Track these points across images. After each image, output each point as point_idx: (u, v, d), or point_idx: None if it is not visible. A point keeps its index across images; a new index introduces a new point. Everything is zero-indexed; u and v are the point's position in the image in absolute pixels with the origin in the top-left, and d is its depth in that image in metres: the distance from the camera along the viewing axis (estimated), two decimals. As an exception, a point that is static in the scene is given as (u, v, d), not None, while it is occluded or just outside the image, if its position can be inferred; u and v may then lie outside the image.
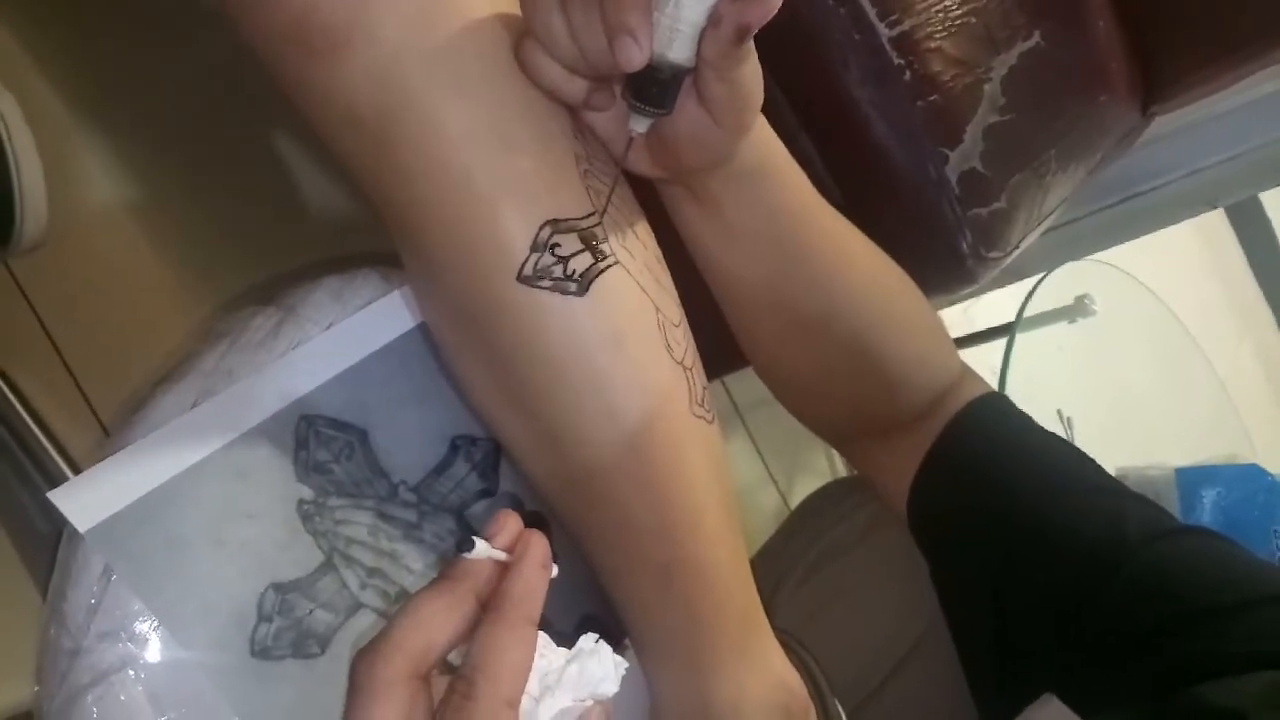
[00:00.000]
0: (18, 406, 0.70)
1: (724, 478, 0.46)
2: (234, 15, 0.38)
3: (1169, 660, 0.43)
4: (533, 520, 0.46)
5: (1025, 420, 0.57)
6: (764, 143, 0.45)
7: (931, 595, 0.59)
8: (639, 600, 0.46)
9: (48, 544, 0.37)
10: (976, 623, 0.54)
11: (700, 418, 0.44)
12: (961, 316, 1.87)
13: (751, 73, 0.37)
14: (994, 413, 0.57)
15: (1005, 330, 1.22)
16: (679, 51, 0.35)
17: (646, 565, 0.44)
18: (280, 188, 0.92)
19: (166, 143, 0.87)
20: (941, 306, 1.80)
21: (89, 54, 0.84)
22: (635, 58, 0.34)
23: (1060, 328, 1.28)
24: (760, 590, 0.48)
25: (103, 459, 0.36)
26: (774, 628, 0.49)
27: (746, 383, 1.46)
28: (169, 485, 0.37)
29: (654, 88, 0.36)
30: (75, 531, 0.35)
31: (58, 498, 0.35)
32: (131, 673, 0.35)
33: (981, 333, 1.40)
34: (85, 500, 0.35)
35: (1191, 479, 1.11)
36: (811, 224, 0.49)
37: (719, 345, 0.65)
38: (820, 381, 0.56)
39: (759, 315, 0.53)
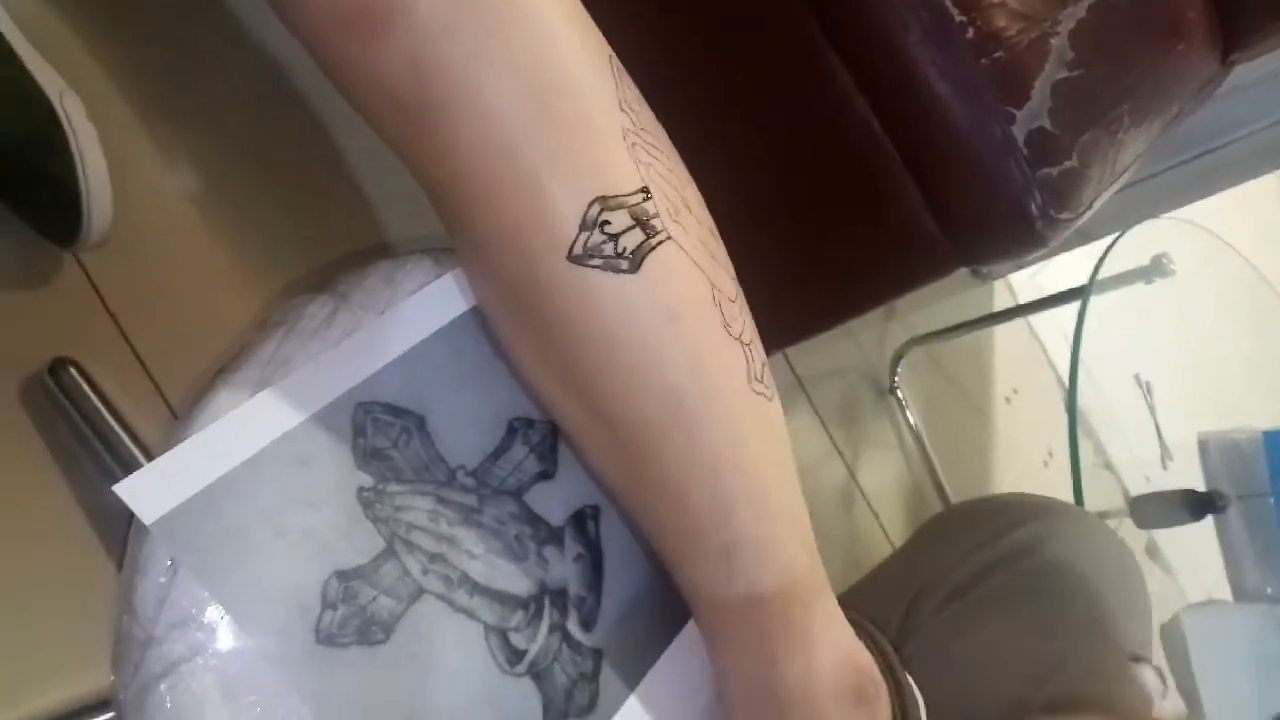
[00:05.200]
0: (93, 399, 0.72)
1: (786, 456, 0.45)
2: (278, 6, 0.38)
3: None
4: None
5: None
6: None
7: (1048, 648, 0.57)
8: (700, 582, 0.45)
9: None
10: None
11: (760, 394, 0.43)
12: (1029, 284, 1.82)
13: None
14: None
15: (1078, 294, 1.18)
16: None
17: (706, 547, 0.43)
18: (341, 173, 0.93)
19: (226, 133, 0.88)
20: (1009, 271, 1.76)
21: (147, 48, 0.85)
22: None
23: (1136, 289, 1.23)
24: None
25: (166, 450, 0.37)
26: (844, 607, 0.48)
27: (808, 355, 1.44)
28: (230, 476, 0.37)
29: None
30: (141, 523, 0.35)
31: (123, 491, 0.35)
32: (201, 661, 0.35)
33: (1053, 296, 1.36)
34: (149, 492, 0.36)
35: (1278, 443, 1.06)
36: None
37: (777, 318, 0.64)
38: None
39: None
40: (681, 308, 0.40)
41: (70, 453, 0.72)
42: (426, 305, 0.44)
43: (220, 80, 0.88)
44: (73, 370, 0.72)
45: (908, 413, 1.51)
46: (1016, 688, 0.58)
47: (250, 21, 0.87)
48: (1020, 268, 1.79)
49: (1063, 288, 1.33)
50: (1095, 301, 1.18)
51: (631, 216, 0.39)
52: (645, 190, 0.40)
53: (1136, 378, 1.13)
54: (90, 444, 0.70)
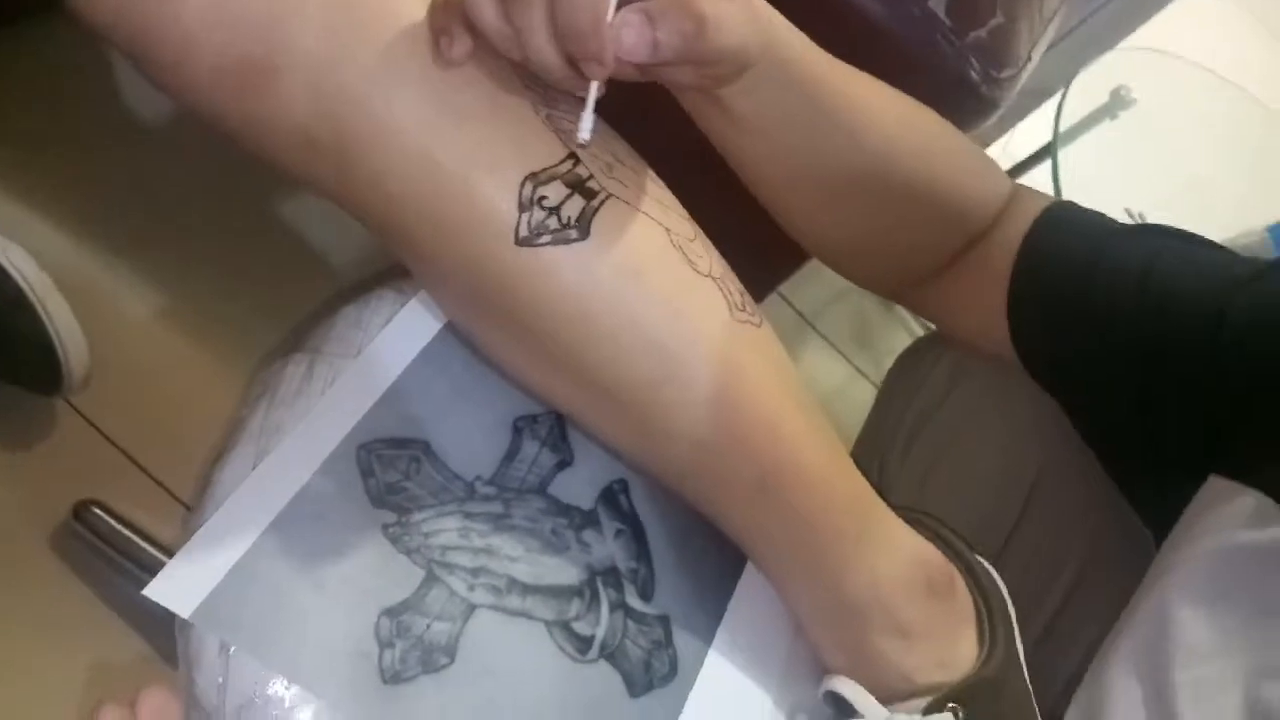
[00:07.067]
0: (122, 529, 0.73)
1: (791, 378, 0.45)
2: (161, 83, 0.38)
3: None
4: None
5: (1103, 217, 0.55)
6: (765, 29, 0.43)
7: (1037, 428, 0.57)
8: (745, 521, 0.45)
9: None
10: (1117, 426, 0.53)
11: (745, 323, 0.43)
12: (1002, 153, 1.81)
13: (713, 50, 0.37)
14: (1071, 216, 0.55)
15: (1048, 151, 1.17)
16: None
17: (739, 485, 0.43)
18: (283, 239, 0.95)
19: (168, 242, 0.90)
20: (980, 145, 1.75)
21: (74, 185, 0.86)
22: None
23: (1104, 128, 1.22)
24: (867, 476, 0.47)
25: (187, 541, 0.37)
26: (893, 506, 0.48)
27: (804, 288, 1.43)
28: (254, 549, 0.37)
29: None
30: (181, 619, 0.36)
31: (154, 592, 0.35)
32: (278, 734, 0.35)
33: (1026, 160, 1.34)
34: (180, 587, 0.36)
35: (1287, 233, 1.05)
36: (836, 91, 0.48)
37: (763, 257, 0.63)
38: (876, 235, 0.55)
39: (802, 194, 0.52)
40: (642, 260, 0.40)
41: (112, 585, 0.73)
42: (399, 335, 0.44)
43: (147, 197, 0.89)
44: (96, 510, 0.72)
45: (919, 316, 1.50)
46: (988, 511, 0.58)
47: (159, 131, 0.89)
48: (987, 144, 1.78)
49: (1036, 148, 1.32)
50: (1070, 151, 1.17)
51: (566, 185, 0.39)
52: (572, 156, 0.39)
53: (1128, 211, 1.11)
54: (130, 572, 0.71)
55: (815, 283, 1.44)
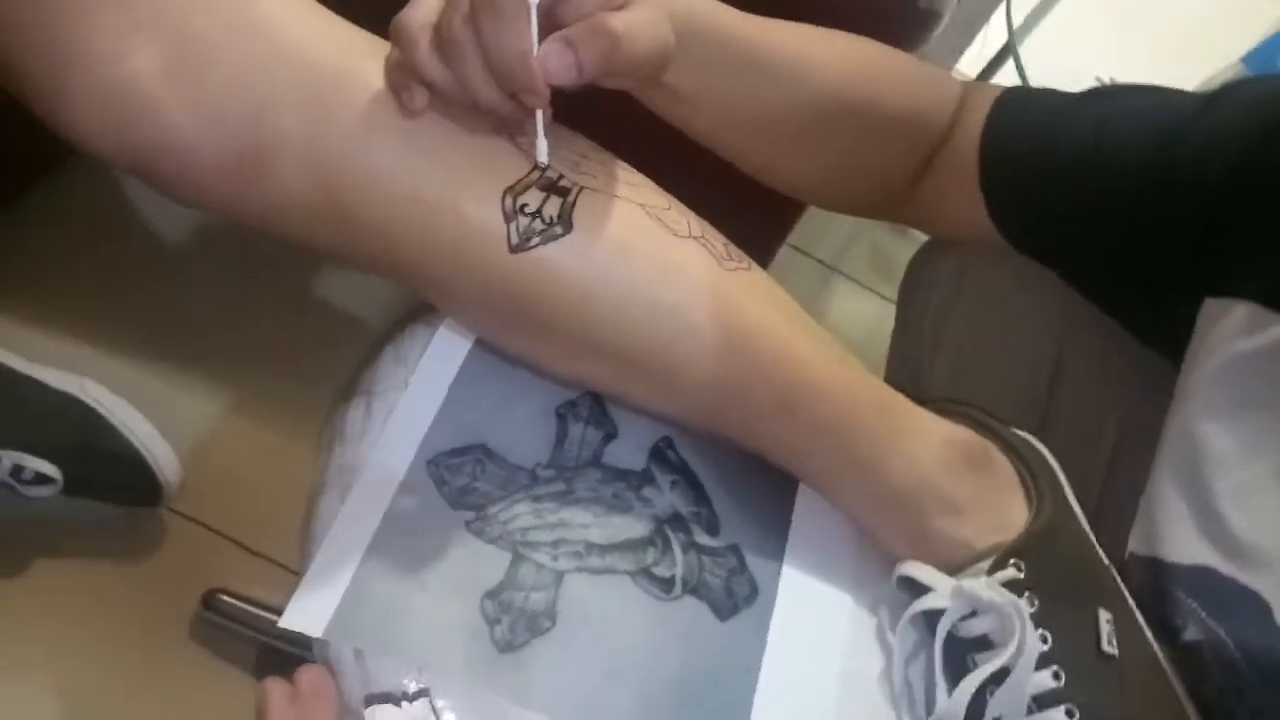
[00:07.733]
0: (251, 609, 0.79)
1: (789, 308, 0.49)
2: (171, 193, 0.43)
3: None
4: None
5: (1053, 91, 0.58)
6: (684, 16, 0.46)
7: (1049, 299, 0.60)
8: (782, 444, 0.49)
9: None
10: (1105, 277, 0.56)
11: (735, 270, 0.47)
12: (978, 55, 1.81)
13: (633, 60, 0.40)
14: (1022, 97, 0.59)
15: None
16: None
17: (765, 411, 0.47)
18: (320, 307, 1.04)
19: (217, 339, 0.97)
20: (950, 61, 1.76)
21: (123, 311, 0.94)
22: None
23: (1061, 8, 1.24)
24: (904, 384, 0.50)
25: (304, 575, 0.42)
26: (922, 400, 0.51)
27: (819, 237, 1.47)
28: (361, 567, 0.42)
29: None
30: (317, 639, 0.41)
31: (288, 621, 0.41)
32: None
33: (993, 61, 1.36)
34: (307, 613, 0.41)
35: (1261, 57, 1.06)
36: (769, 46, 0.52)
37: (761, 214, 0.67)
38: (842, 162, 0.58)
39: (763, 143, 0.56)
40: (625, 236, 0.45)
41: (248, 658, 0.80)
42: (437, 360, 0.49)
43: (190, 303, 0.98)
44: (222, 596, 0.79)
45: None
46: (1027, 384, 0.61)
47: (184, 241, 0.96)
48: (961, 50, 1.79)
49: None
50: (1034, 39, 1.19)
51: (541, 189, 0.43)
52: (539, 165, 0.44)
53: (1098, 79, 1.13)
54: (265, 643, 0.78)
55: (827, 229, 1.47)
